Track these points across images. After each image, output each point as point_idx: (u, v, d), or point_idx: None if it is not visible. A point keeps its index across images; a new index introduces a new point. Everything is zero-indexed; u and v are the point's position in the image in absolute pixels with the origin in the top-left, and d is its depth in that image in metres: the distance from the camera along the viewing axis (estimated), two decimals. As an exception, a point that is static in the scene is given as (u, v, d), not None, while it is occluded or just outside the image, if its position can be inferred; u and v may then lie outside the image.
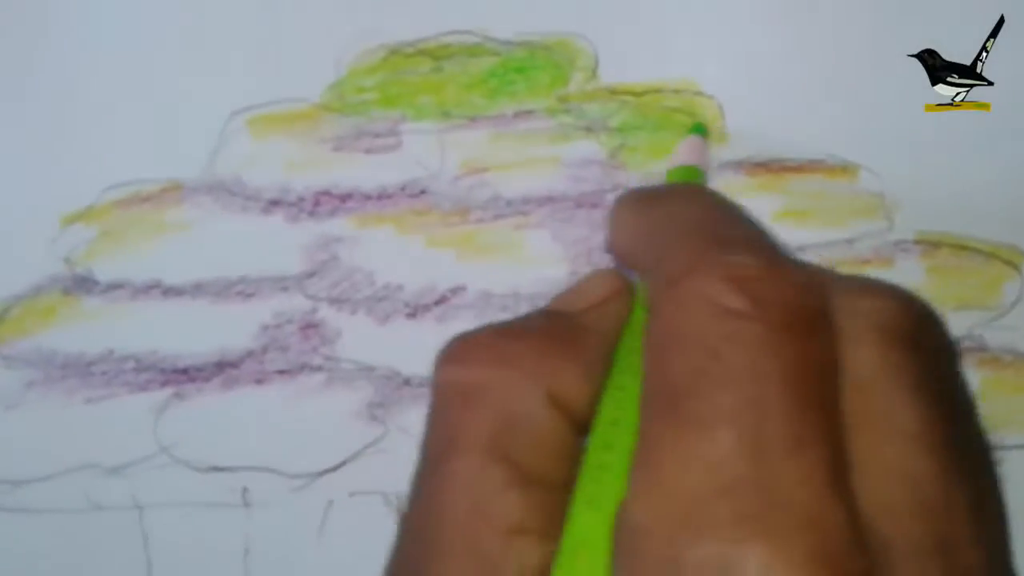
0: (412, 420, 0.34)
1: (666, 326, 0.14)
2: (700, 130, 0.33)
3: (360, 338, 0.34)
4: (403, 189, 0.34)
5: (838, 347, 0.14)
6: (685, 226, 0.16)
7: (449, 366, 0.16)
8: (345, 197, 0.34)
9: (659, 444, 0.13)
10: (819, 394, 0.13)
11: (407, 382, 0.34)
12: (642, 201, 0.18)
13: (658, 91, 0.34)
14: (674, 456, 0.13)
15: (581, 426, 0.15)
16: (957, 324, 0.35)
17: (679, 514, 0.12)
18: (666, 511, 0.13)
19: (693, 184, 0.19)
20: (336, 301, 0.35)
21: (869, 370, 0.14)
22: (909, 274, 0.34)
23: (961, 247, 0.34)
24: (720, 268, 0.14)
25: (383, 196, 0.34)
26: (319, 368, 0.35)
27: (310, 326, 0.35)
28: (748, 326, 0.13)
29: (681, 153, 0.32)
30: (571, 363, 0.15)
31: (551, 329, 0.16)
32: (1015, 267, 0.34)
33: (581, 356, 0.15)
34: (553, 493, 0.14)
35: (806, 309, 0.14)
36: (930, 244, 0.34)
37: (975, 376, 0.35)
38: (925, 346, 0.15)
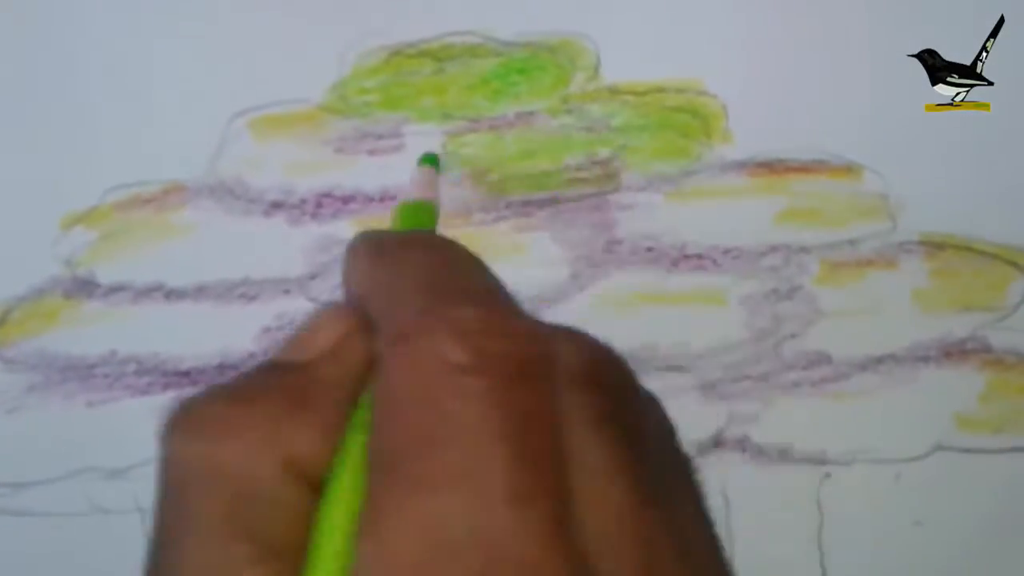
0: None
1: (391, 384, 0.14)
2: (431, 161, 0.32)
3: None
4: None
5: (558, 394, 0.14)
6: (413, 279, 0.16)
7: (176, 439, 0.15)
8: (347, 199, 0.34)
9: (383, 509, 0.13)
10: (541, 444, 0.13)
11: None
12: (374, 248, 0.17)
13: (661, 91, 0.34)
14: (397, 521, 0.13)
15: (322, 488, 0.15)
16: (961, 325, 0.34)
17: None
18: None
19: (425, 232, 0.19)
20: (338, 303, 0.35)
21: (566, 412, 0.14)
22: (913, 275, 0.34)
23: (965, 248, 0.34)
24: (445, 323, 0.14)
25: (385, 198, 0.34)
26: (321, 370, 0.34)
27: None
28: (471, 381, 0.13)
29: (411, 187, 0.30)
30: (305, 424, 0.15)
31: (281, 387, 0.15)
32: (1020, 268, 0.34)
33: (316, 414, 0.15)
34: (299, 562, 0.14)
35: (529, 359, 0.14)
36: (934, 245, 0.34)
37: (979, 378, 0.34)
38: (605, 384, 0.15)
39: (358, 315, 0.16)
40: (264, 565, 0.14)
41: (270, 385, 0.15)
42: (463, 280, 0.16)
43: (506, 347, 0.14)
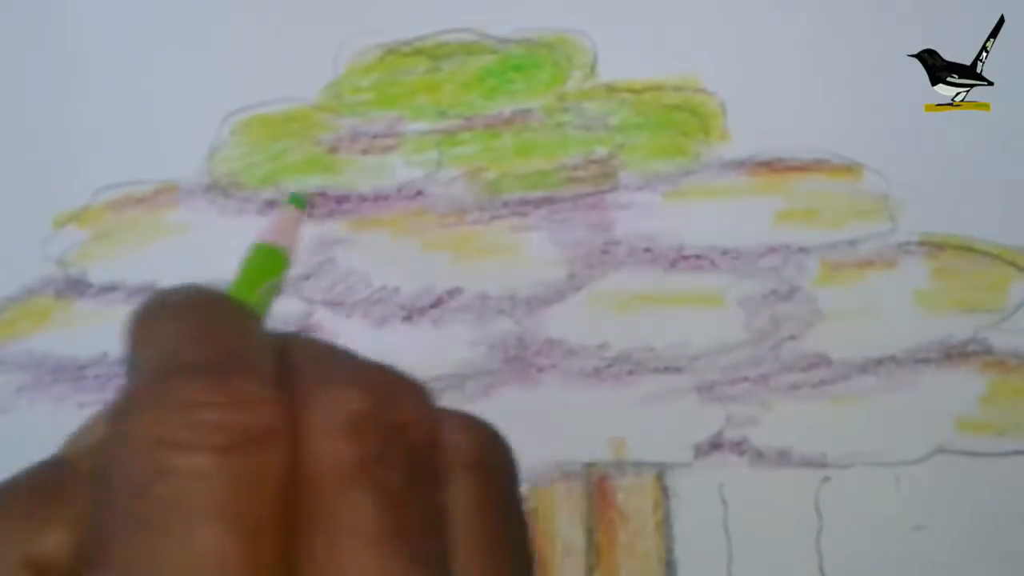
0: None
1: (106, 466, 0.14)
2: (298, 201, 0.32)
3: (356, 341, 0.34)
4: (399, 190, 0.34)
5: (302, 452, 0.14)
6: (152, 350, 0.15)
7: None
8: (341, 199, 0.34)
9: None
10: (258, 513, 0.13)
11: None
12: (139, 317, 0.17)
13: (658, 88, 0.34)
14: None
15: None
16: (962, 327, 0.34)
17: None
18: None
19: (189, 292, 0.18)
20: (332, 304, 0.34)
21: (332, 472, 0.14)
22: (913, 276, 0.34)
23: (966, 249, 0.34)
24: (160, 400, 0.14)
25: (379, 198, 0.34)
26: (315, 372, 0.34)
27: (306, 329, 0.34)
28: (183, 457, 0.13)
29: (269, 227, 0.30)
30: (53, 520, 0.14)
31: (30, 486, 0.15)
32: (1021, 269, 0.34)
33: (66, 508, 0.14)
34: None
35: (253, 426, 0.13)
36: (934, 246, 0.34)
37: (980, 380, 0.34)
38: (367, 438, 0.14)
39: None
40: None
41: (20, 484, 0.15)
42: (201, 348, 0.15)
43: (225, 417, 0.13)
